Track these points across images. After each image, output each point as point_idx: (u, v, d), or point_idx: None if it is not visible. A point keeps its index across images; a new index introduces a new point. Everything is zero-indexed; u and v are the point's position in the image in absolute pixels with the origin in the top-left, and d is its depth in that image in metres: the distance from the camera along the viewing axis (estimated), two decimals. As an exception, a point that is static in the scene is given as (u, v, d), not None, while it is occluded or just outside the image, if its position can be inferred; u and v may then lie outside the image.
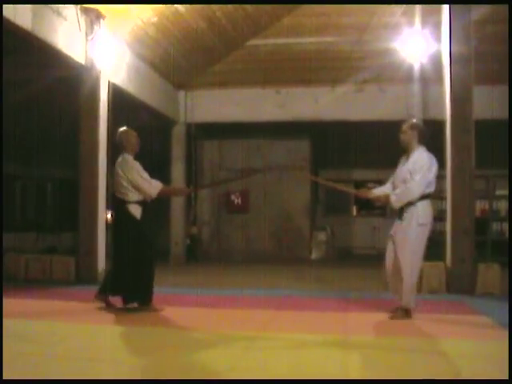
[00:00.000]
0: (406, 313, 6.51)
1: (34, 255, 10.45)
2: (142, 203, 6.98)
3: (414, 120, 6.99)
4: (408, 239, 6.39)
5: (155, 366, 4.56)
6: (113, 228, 7.14)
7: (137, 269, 6.80)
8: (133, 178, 6.83)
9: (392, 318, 6.52)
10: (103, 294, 7.06)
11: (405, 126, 6.63)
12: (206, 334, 5.89)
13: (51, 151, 14.47)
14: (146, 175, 6.95)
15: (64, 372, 4.33)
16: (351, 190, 7.56)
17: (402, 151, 6.68)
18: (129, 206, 6.88)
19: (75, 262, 9.85)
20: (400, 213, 6.46)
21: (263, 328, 6.21)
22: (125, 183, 6.85)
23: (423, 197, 6.43)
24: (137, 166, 6.95)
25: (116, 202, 7.00)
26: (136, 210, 6.90)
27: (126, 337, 5.77)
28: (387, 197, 6.59)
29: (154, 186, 6.97)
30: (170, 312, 6.87)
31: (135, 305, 6.88)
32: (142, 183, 6.86)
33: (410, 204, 6.38)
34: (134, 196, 6.89)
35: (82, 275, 9.74)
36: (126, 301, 6.88)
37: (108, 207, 10.25)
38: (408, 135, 6.57)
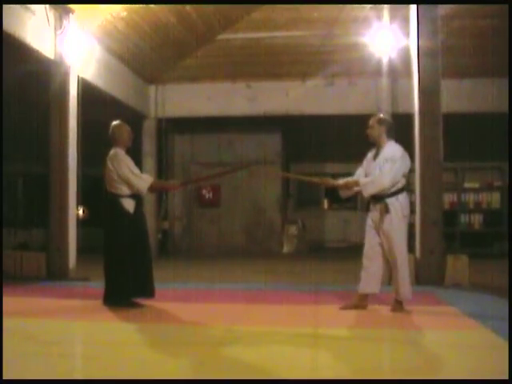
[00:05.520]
0: (401, 304, 6.52)
1: (5, 251, 10.35)
2: (135, 197, 6.88)
3: (381, 114, 6.98)
4: (397, 231, 6.38)
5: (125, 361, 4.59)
6: (105, 223, 6.99)
7: (132, 264, 6.74)
8: (122, 173, 6.73)
9: (392, 310, 6.52)
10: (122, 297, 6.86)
11: (372, 121, 6.62)
12: (176, 329, 5.92)
13: (21, 147, 14.33)
14: (136, 170, 6.87)
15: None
16: (315, 180, 7.51)
17: (373, 145, 6.71)
18: (121, 199, 6.78)
19: (46, 258, 9.79)
20: (385, 206, 6.40)
21: (234, 322, 6.24)
22: (116, 177, 6.75)
23: (402, 189, 6.45)
24: (127, 160, 6.85)
25: (108, 197, 6.87)
26: (129, 204, 6.80)
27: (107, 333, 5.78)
28: (356, 182, 6.59)
29: (144, 181, 6.89)
30: (142, 307, 6.86)
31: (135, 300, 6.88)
32: (131, 178, 6.75)
33: (391, 197, 6.36)
34: (126, 190, 6.79)
35: (53, 271, 9.68)
36: (128, 297, 6.84)
37: (79, 202, 10.22)
38: (376, 130, 6.57)
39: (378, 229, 6.52)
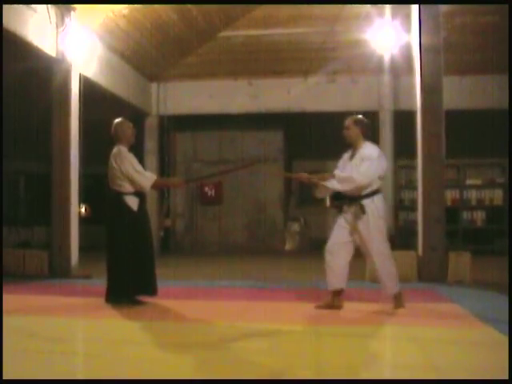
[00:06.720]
0: (399, 299, 6.50)
1: (7, 249, 10.37)
2: (139, 195, 6.85)
3: (359, 115, 6.82)
4: (374, 231, 6.32)
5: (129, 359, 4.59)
6: (108, 221, 6.96)
7: (134, 262, 6.73)
8: (126, 170, 6.70)
9: (396, 307, 6.48)
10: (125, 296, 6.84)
11: (348, 122, 6.52)
12: (179, 326, 5.92)
13: (23, 145, 14.34)
14: (139, 167, 6.84)
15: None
16: (290, 175, 7.29)
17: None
18: (125, 197, 6.75)
19: (48, 256, 9.80)
20: (361, 207, 6.31)
21: (236, 319, 6.24)
22: (119, 175, 6.73)
23: (378, 191, 6.40)
24: (130, 157, 6.82)
25: (111, 194, 6.86)
26: (133, 202, 6.78)
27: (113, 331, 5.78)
28: (332, 176, 6.42)
29: (147, 178, 6.85)
30: (144, 304, 6.86)
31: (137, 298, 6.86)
32: (135, 175, 6.72)
33: (367, 198, 6.31)
34: (129, 187, 6.76)
35: (56, 269, 9.69)
36: (131, 295, 6.82)
37: (81, 200, 10.22)
38: (352, 131, 6.47)
39: (352, 230, 6.45)
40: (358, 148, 6.46)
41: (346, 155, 6.63)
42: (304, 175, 6.83)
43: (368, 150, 6.42)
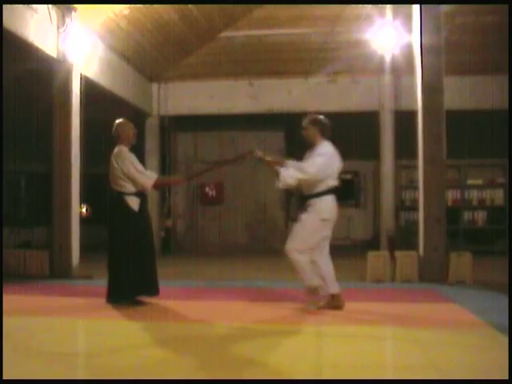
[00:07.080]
0: (310, 292, 6.56)
1: (7, 250, 10.37)
2: (140, 195, 6.87)
3: (318, 115, 6.67)
4: (303, 229, 6.36)
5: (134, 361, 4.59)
6: (109, 221, 6.98)
7: (136, 262, 6.74)
8: (127, 170, 6.72)
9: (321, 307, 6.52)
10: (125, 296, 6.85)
11: (306, 122, 6.55)
12: (179, 327, 5.92)
13: (24, 145, 14.34)
14: (140, 167, 6.87)
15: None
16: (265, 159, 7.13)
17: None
18: (126, 197, 6.77)
19: (49, 257, 9.79)
20: (304, 205, 6.38)
21: (237, 319, 6.24)
22: (120, 175, 6.75)
23: (330, 191, 6.39)
24: (131, 157, 6.85)
25: (113, 195, 6.87)
26: (134, 202, 6.80)
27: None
28: (285, 162, 6.50)
29: (149, 178, 6.88)
30: (145, 305, 6.86)
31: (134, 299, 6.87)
32: (136, 175, 6.75)
33: (316, 197, 6.32)
34: (131, 187, 6.78)
35: (56, 270, 9.69)
36: (132, 295, 6.84)
37: (81, 200, 10.22)
38: (310, 131, 6.50)
39: None
40: (315, 147, 6.48)
41: (308, 155, 6.62)
42: (272, 162, 6.75)
43: (323, 148, 6.42)
